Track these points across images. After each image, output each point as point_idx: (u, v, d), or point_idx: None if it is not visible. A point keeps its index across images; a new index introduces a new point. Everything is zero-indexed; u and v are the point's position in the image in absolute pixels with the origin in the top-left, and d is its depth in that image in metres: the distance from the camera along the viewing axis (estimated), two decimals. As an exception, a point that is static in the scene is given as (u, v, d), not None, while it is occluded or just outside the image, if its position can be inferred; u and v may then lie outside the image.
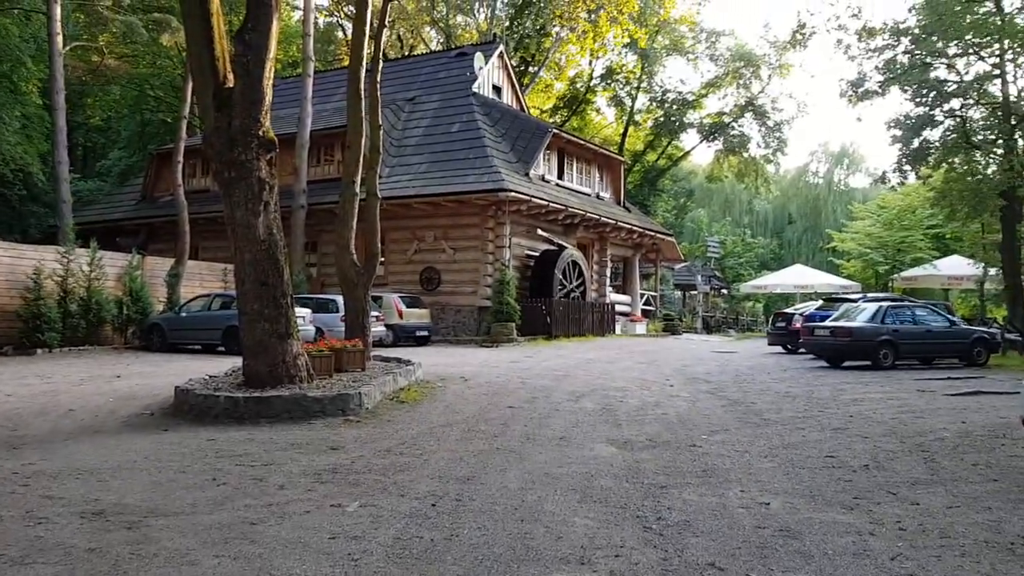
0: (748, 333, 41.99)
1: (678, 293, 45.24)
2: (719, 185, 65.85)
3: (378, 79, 15.35)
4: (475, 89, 30.19)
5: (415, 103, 30.74)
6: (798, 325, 23.24)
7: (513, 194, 24.47)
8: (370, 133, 14.60)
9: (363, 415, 10.09)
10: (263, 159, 10.54)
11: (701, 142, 46.87)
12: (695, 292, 42.38)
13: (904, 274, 35.14)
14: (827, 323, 19.03)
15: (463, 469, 7.22)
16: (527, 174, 26.75)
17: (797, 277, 40.57)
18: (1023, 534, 5.34)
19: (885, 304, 18.97)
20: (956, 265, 36.04)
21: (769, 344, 24.93)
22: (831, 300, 24.01)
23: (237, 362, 12.31)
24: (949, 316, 19.80)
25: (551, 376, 15.46)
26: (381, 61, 15.76)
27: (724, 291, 48.77)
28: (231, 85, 10.57)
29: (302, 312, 20.16)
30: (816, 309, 22.86)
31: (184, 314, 21.61)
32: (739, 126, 45.16)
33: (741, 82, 43.39)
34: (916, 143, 23.99)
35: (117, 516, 5.71)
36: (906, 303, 20.76)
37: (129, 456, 7.79)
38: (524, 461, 7.61)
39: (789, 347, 24.12)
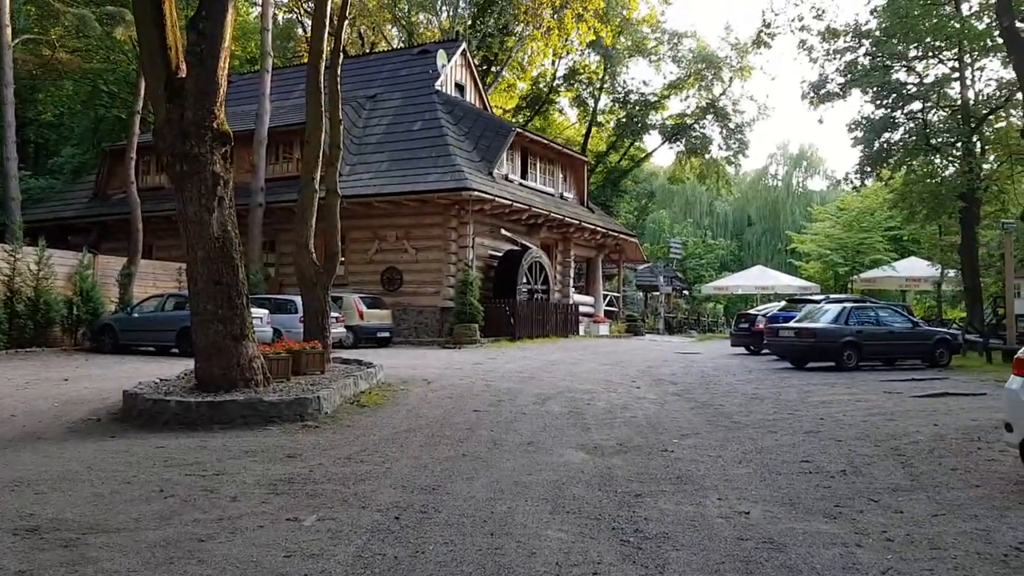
0: (709, 334, 42.10)
1: (640, 294, 45.21)
2: (680, 187, 66.06)
3: (338, 74, 14.92)
4: (438, 87, 29.79)
5: (376, 101, 30.26)
6: (761, 326, 23.20)
7: (476, 193, 24.13)
8: (330, 129, 14.17)
9: (322, 420, 9.68)
10: (217, 153, 10.08)
11: (663, 143, 46.98)
12: (657, 293, 42.38)
13: (863, 275, 35.44)
14: (791, 324, 18.97)
15: (428, 478, 6.87)
16: (490, 173, 26.43)
17: (758, 278, 40.79)
18: (1015, 544, 5.13)
19: (849, 306, 18.97)
20: (914, 267, 36.48)
21: (732, 345, 24.88)
22: (794, 301, 24.03)
23: (190, 364, 11.81)
24: (911, 317, 19.86)
25: (516, 378, 15.16)
26: (341, 56, 15.34)
27: (685, 292, 48.90)
28: (183, 75, 10.10)
29: (259, 313, 19.63)
30: (779, 310, 22.83)
31: (137, 315, 20.94)
32: (701, 128, 45.28)
33: (703, 84, 43.50)
34: (877, 145, 24.11)
35: (53, 533, 5.27)
36: (869, 304, 20.80)
37: (71, 466, 7.31)
38: (492, 468, 7.28)
39: (752, 348, 24.08)
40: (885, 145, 24.20)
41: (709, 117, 44.56)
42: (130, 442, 8.44)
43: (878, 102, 24.82)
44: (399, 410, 10.78)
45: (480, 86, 33.66)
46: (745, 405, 12.12)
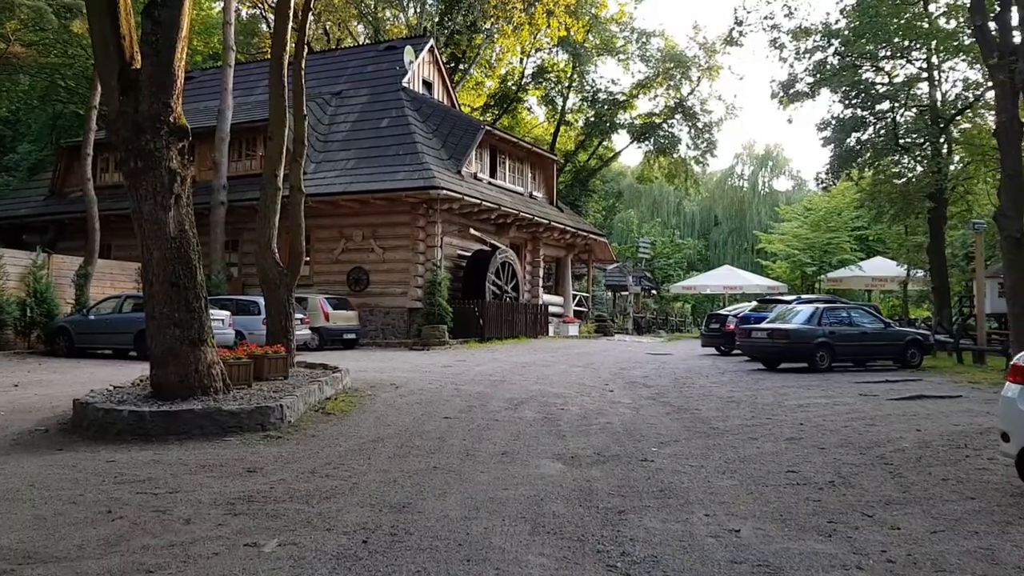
0: (678, 334, 42.03)
1: (609, 294, 45.02)
2: (648, 187, 66.03)
3: (303, 67, 14.44)
4: (405, 84, 29.29)
5: (342, 97, 29.69)
6: (732, 326, 23.09)
7: (445, 192, 23.70)
8: (294, 125, 13.67)
9: (285, 430, 9.22)
10: (174, 148, 9.57)
11: (632, 143, 46.76)
12: (626, 293, 42.21)
13: (831, 275, 35.52)
14: (764, 325, 18.80)
15: (398, 494, 6.46)
16: (459, 172, 26.01)
17: (726, 278, 40.77)
18: (1022, 564, 4.85)
19: (821, 307, 18.82)
20: (880, 266, 36.64)
21: (703, 345, 24.71)
22: (765, 302, 23.90)
23: (148, 369, 11.28)
24: (882, 318, 19.78)
25: (487, 382, 14.78)
26: (306, 49, 14.86)
27: (654, 292, 48.83)
28: (138, 67, 9.57)
29: (221, 315, 19.06)
30: (751, 311, 22.67)
31: (93, 317, 20.24)
32: (669, 127, 45.12)
33: (672, 83, 43.33)
34: (847, 144, 24.04)
35: (-15, 564, 4.79)
36: (840, 305, 20.70)
37: (12, 483, 6.80)
38: (465, 482, 6.89)
39: (723, 349, 23.94)
40: (855, 144, 24.14)
41: (678, 117, 44.45)
42: (78, 456, 7.93)
43: (847, 101, 24.78)
44: (366, 418, 10.35)
45: (448, 83, 33.21)
46: (722, 409, 11.84)
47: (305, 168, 27.13)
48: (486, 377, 15.66)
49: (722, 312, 24.68)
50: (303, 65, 14.42)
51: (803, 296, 22.87)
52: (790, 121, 46.63)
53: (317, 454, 8.04)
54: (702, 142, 44.21)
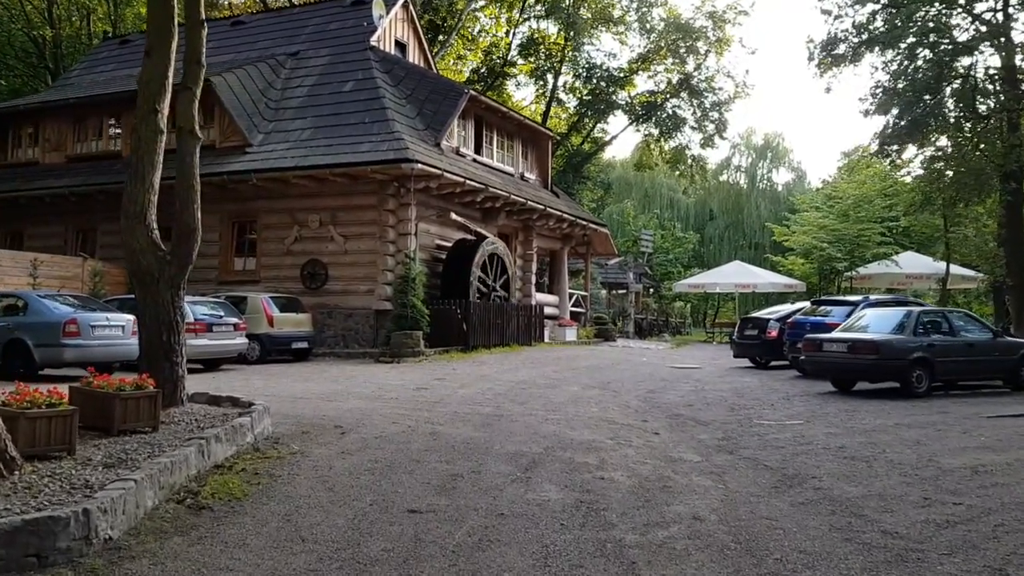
0: (680, 337, 37.66)
1: (603, 292, 40.44)
2: (640, 179, 61.85)
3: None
4: (374, 43, 24.59)
5: (299, 59, 24.96)
6: (774, 333, 18.79)
7: (420, 166, 19.09)
8: (188, 34, 8.98)
9: (89, 563, 4.65)
10: None
11: (630, 124, 42.04)
12: (623, 291, 37.76)
13: (862, 271, 31.28)
14: (839, 335, 14.33)
15: None
16: (438, 144, 21.40)
17: (736, 275, 36.45)
18: None
19: (916, 310, 14.43)
20: (913, 262, 32.50)
21: (736, 356, 20.29)
22: (820, 302, 19.51)
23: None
24: (989, 326, 15.44)
25: (476, 418, 10.27)
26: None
27: (653, 290, 44.43)
28: None
29: (119, 319, 14.39)
30: (802, 314, 18.28)
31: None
32: (672, 107, 40.56)
33: (677, 56, 38.77)
34: (916, 110, 19.61)
35: None
36: (937, 309, 16.35)
37: None
38: None
39: (760, 360, 19.62)
40: (925, 110, 19.65)
41: (683, 95, 39.86)
42: None
43: (914, 55, 20.33)
44: (267, 516, 5.78)
45: (425, 46, 28.53)
46: (857, 478, 7.42)
47: (251, 140, 22.61)
48: (475, 408, 11.15)
49: (761, 315, 20.25)
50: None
51: (871, 297, 18.47)
52: (828, 90, 41.67)
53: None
54: (710, 122, 39.68)
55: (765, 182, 65.97)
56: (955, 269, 31.05)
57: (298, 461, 7.46)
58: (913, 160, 21.69)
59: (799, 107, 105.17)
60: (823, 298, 21.85)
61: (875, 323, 14.43)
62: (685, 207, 64.11)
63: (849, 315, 16.45)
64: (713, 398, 13.48)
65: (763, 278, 36.09)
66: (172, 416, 8.21)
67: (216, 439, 7.16)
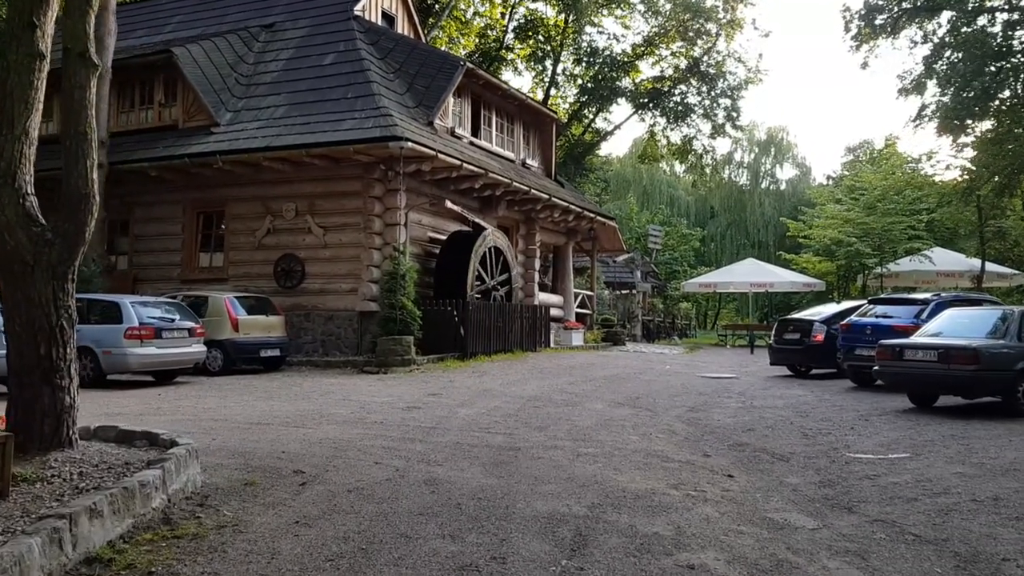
0: (688, 340, 35.13)
1: (607, 292, 37.83)
2: (638, 175, 59.52)
3: None
4: (358, 12, 21.95)
5: (274, 31, 22.32)
6: (820, 337, 16.31)
7: (411, 146, 16.50)
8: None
9: None
10: None
11: (635, 112, 39.38)
12: (629, 291, 35.17)
13: (892, 267, 28.82)
14: (926, 340, 11.76)
15: None
16: (431, 123, 18.81)
17: (752, 274, 33.91)
18: None
19: (1018, 310, 11.85)
20: (945, 258, 30.09)
21: (772, 363, 17.76)
22: (878, 301, 16.95)
23: None
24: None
25: (486, 453, 7.71)
26: None
27: (657, 290, 41.87)
28: None
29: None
30: (856, 315, 15.73)
31: None
32: (680, 93, 37.93)
33: (685, 40, 36.15)
34: (983, 79, 17.07)
35: None
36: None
37: None
38: None
39: (802, 368, 17.16)
40: (988, 84, 17.08)
41: (692, 80, 37.25)
42: None
43: (969, 28, 17.88)
44: None
45: (415, 20, 25.91)
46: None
47: (217, 119, 19.98)
48: (482, 437, 8.60)
49: (803, 317, 17.70)
50: None
51: (943, 294, 15.95)
52: (864, 66, 38.15)
53: None
54: (721, 109, 37.08)
55: (769, 179, 63.70)
56: (990, 266, 28.70)
57: (224, 544, 4.84)
58: (971, 134, 19.15)
59: (801, 102, 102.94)
60: (881, 296, 19.30)
61: (960, 327, 11.90)
62: (685, 204, 61.77)
63: (918, 317, 13.94)
64: (772, 419, 10.94)
65: (781, 276, 33.57)
66: (47, 466, 5.61)
67: (91, 513, 4.55)
